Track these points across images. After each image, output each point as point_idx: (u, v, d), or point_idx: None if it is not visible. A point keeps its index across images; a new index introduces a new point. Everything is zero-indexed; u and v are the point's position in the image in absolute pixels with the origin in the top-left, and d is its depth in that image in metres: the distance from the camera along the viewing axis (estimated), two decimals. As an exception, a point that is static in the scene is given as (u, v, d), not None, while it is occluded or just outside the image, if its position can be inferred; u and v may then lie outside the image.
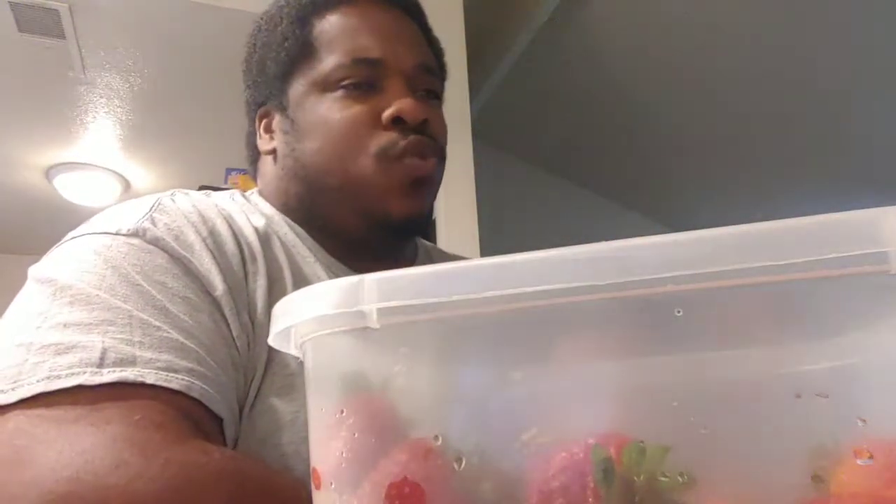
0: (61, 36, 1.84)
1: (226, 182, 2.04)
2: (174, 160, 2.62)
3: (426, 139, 0.61)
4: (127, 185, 2.78)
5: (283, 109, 0.63)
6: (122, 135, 2.42)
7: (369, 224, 0.61)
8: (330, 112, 0.60)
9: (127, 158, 2.60)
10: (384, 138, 0.59)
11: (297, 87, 0.62)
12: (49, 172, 2.66)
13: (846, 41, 2.09)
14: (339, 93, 0.60)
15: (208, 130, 2.35)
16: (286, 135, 0.63)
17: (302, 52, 0.62)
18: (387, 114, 0.59)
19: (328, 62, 0.61)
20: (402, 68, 0.62)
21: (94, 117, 2.30)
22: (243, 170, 2.02)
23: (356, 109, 0.59)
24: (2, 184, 2.74)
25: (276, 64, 0.64)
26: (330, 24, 0.62)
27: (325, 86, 0.61)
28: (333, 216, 0.62)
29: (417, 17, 0.68)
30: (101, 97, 2.17)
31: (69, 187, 2.72)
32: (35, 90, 2.13)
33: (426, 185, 0.61)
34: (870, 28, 2.03)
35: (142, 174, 2.72)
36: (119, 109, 2.25)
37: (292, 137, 0.62)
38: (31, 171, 2.66)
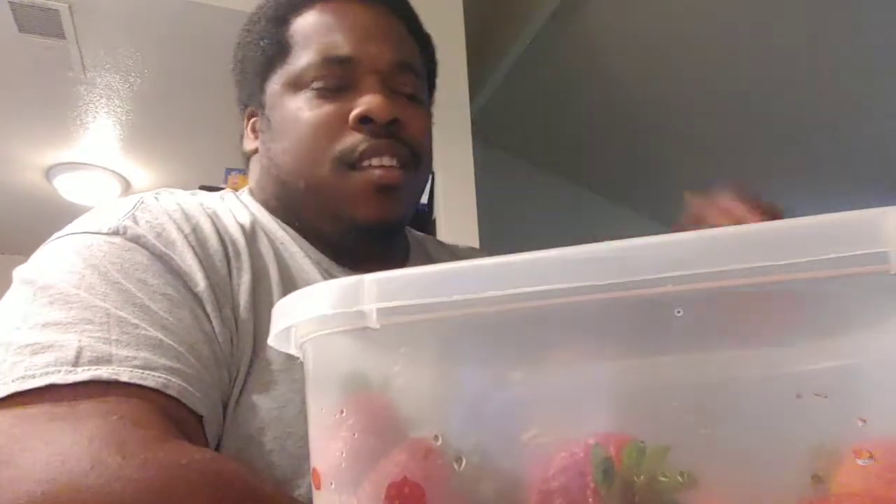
0: (61, 36, 1.84)
1: (225, 182, 2.04)
2: (174, 160, 2.62)
3: (394, 142, 0.58)
4: (127, 185, 2.78)
5: (262, 109, 0.63)
6: (122, 135, 2.42)
7: (340, 227, 0.60)
8: (300, 112, 0.59)
9: (127, 158, 2.60)
10: (348, 140, 0.57)
11: (273, 87, 0.62)
12: (49, 172, 2.66)
13: (848, 42, 2.09)
14: (311, 93, 0.59)
15: (208, 130, 2.35)
16: (263, 134, 0.63)
17: (278, 50, 0.61)
18: (353, 113, 0.57)
19: (300, 61, 0.60)
20: (376, 67, 0.60)
21: (94, 117, 2.30)
22: (243, 170, 2.02)
23: (325, 109, 0.58)
24: (2, 184, 2.74)
25: (254, 63, 0.63)
26: (305, 22, 0.62)
27: (297, 85, 0.60)
28: (306, 217, 0.61)
29: (403, 13, 0.65)
30: (101, 97, 2.17)
31: (69, 187, 2.72)
32: (35, 90, 2.13)
33: (392, 191, 0.58)
34: (872, 29, 2.03)
35: (142, 174, 2.72)
36: (119, 109, 2.25)
37: (268, 137, 0.62)
38: (31, 171, 2.66)
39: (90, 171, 2.65)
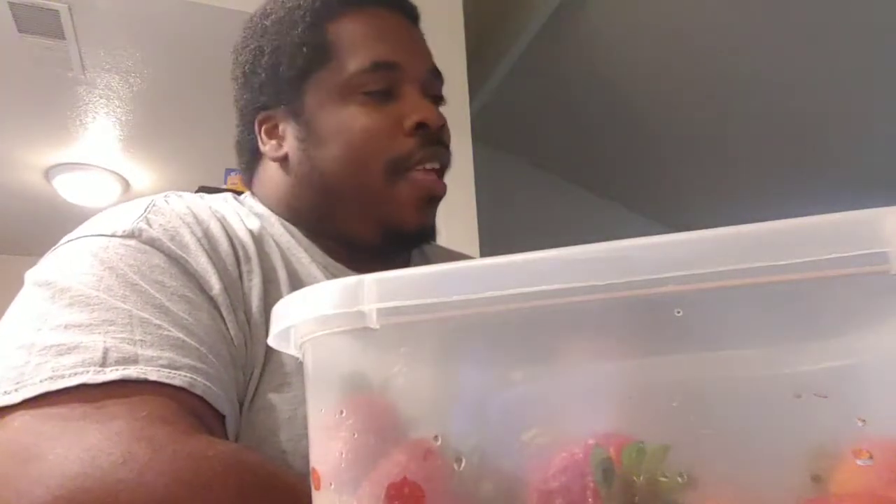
0: (61, 36, 1.84)
1: (225, 182, 2.04)
2: (174, 160, 2.62)
3: (442, 149, 0.62)
4: (127, 185, 2.78)
5: (296, 115, 0.62)
6: (122, 135, 2.42)
7: (384, 234, 0.62)
8: (352, 119, 0.59)
9: (127, 158, 2.60)
10: (401, 147, 0.60)
11: (314, 93, 0.61)
12: (49, 172, 2.66)
13: (846, 43, 2.09)
14: (359, 99, 0.60)
15: (208, 130, 2.35)
16: (301, 142, 0.61)
17: (318, 57, 0.61)
18: (411, 120, 0.60)
19: (347, 68, 0.60)
20: (417, 74, 0.63)
21: (94, 117, 2.30)
22: (243, 170, 2.02)
23: (376, 117, 0.60)
24: (2, 184, 2.73)
25: (290, 69, 0.61)
26: (345, 29, 0.62)
27: (344, 92, 0.60)
28: (348, 224, 0.62)
29: (417, 24, 0.69)
30: (101, 97, 2.17)
31: (69, 187, 2.72)
32: (35, 90, 2.12)
33: (436, 201, 0.63)
34: (869, 30, 2.03)
35: (142, 174, 2.72)
36: (119, 109, 2.25)
37: (309, 144, 0.61)
38: (31, 171, 2.66)
39: (90, 171, 2.65)
